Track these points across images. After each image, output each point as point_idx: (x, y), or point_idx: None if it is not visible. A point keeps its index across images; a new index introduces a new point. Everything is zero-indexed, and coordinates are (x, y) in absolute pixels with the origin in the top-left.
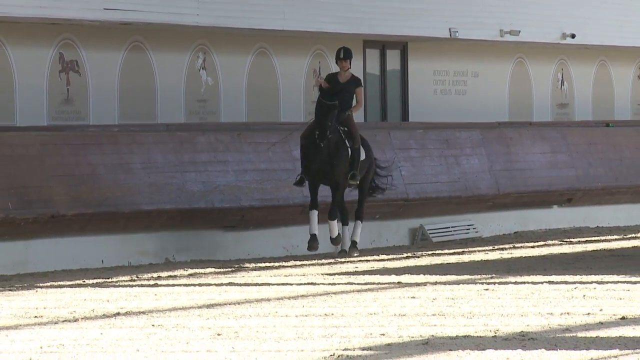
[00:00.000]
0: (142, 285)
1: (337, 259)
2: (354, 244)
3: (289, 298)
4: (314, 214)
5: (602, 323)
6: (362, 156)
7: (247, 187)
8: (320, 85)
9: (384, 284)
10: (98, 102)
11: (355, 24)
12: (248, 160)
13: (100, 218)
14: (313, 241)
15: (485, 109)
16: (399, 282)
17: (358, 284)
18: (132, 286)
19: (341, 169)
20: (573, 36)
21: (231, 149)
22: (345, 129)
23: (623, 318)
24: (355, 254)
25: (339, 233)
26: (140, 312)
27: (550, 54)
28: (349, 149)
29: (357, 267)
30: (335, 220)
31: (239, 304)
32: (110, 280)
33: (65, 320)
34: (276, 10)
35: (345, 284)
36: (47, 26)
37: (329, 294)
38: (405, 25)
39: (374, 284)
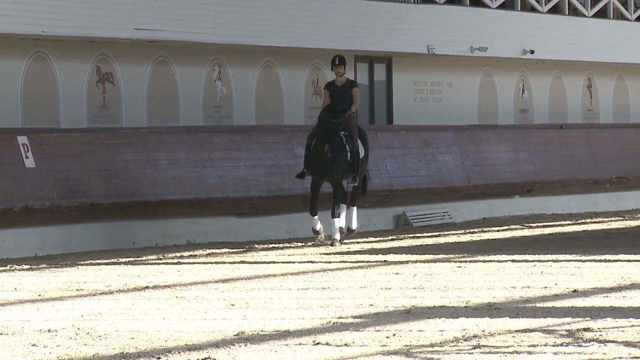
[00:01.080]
0: (167, 263)
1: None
2: (351, 231)
3: (291, 274)
4: (315, 220)
5: (557, 295)
6: (362, 153)
7: (256, 179)
8: (325, 104)
9: (372, 262)
10: (129, 107)
11: (347, 42)
12: (257, 157)
13: (132, 206)
14: (317, 234)
15: (457, 114)
16: (385, 261)
17: (350, 262)
18: (158, 264)
19: (341, 171)
20: (532, 52)
21: (242, 147)
22: (346, 133)
23: (575, 291)
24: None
25: (340, 228)
26: (165, 286)
27: (512, 67)
28: (349, 153)
29: (349, 248)
30: (337, 219)
31: (249, 279)
32: (140, 258)
33: (102, 293)
34: (280, 30)
35: (339, 262)
36: (86, 43)
37: (325, 270)
38: (390, 43)
39: (363, 262)
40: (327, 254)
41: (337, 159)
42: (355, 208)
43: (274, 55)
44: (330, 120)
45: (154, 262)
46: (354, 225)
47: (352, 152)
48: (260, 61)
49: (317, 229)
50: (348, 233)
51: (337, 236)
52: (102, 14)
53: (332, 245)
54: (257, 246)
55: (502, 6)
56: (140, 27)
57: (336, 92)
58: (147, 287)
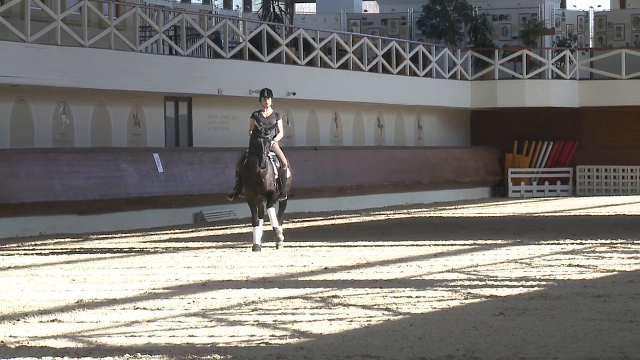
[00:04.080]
0: (24, 249)
1: (148, 233)
2: (277, 231)
3: (117, 257)
4: (257, 230)
5: (312, 271)
6: (288, 174)
7: (91, 187)
8: (254, 127)
9: (178, 247)
10: None
11: (159, 86)
12: (92, 171)
13: None
14: (256, 249)
15: (240, 139)
16: (187, 247)
17: (161, 248)
18: (18, 250)
19: (270, 183)
20: (294, 94)
21: (81, 163)
22: (273, 153)
23: (326, 268)
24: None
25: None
26: (23, 266)
27: (280, 104)
28: (276, 170)
29: (160, 237)
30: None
31: (86, 261)
32: (3, 246)
33: None
34: (111, 77)
35: (154, 247)
36: None
37: (143, 254)
38: (191, 86)
39: (171, 248)
40: (144, 242)
41: (265, 173)
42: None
43: (105, 96)
44: (258, 138)
45: (14, 249)
46: (277, 224)
47: (279, 170)
48: (94, 100)
49: (257, 243)
50: (274, 233)
51: (279, 233)
52: None
53: (254, 250)
54: (92, 237)
55: (272, 60)
56: (5, 75)
57: (262, 121)
58: (9, 268)
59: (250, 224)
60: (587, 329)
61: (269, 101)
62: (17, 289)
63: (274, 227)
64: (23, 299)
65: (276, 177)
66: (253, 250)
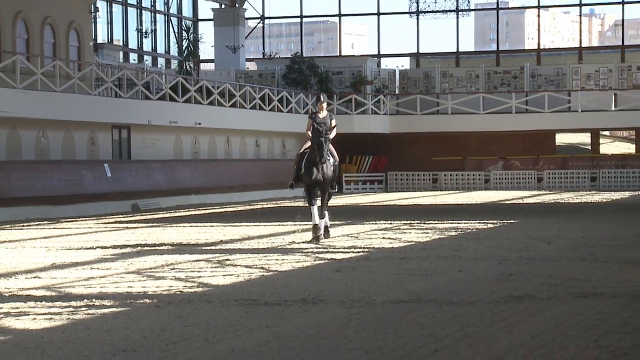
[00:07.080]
0: (15, 229)
1: (100, 217)
2: (327, 229)
3: (81, 233)
4: (315, 208)
5: (212, 242)
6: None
7: (62, 186)
8: (315, 127)
9: (121, 227)
10: None
11: (108, 117)
12: (63, 175)
13: None
14: (316, 229)
15: (164, 153)
16: (126, 227)
17: (110, 229)
18: (10, 229)
19: (330, 179)
20: (200, 123)
21: (55, 171)
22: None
23: (221, 241)
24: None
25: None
26: (14, 241)
27: (190, 131)
28: (332, 164)
29: (109, 221)
30: (323, 219)
31: (59, 236)
32: (14, 226)
33: None
34: (75, 112)
35: (105, 228)
36: None
37: (100, 231)
38: (130, 118)
39: (115, 228)
40: (103, 223)
41: (326, 170)
42: (326, 212)
43: (71, 125)
44: (320, 137)
45: (7, 229)
46: (328, 224)
47: (334, 166)
48: (63, 127)
49: (317, 222)
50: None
51: (321, 233)
52: None
53: (317, 240)
54: (63, 220)
55: (185, 101)
56: (2, 111)
57: (318, 121)
58: (4, 242)
59: (308, 205)
60: (394, 280)
61: (325, 105)
62: (10, 256)
63: (325, 226)
64: (14, 262)
65: (332, 169)
66: (314, 230)
